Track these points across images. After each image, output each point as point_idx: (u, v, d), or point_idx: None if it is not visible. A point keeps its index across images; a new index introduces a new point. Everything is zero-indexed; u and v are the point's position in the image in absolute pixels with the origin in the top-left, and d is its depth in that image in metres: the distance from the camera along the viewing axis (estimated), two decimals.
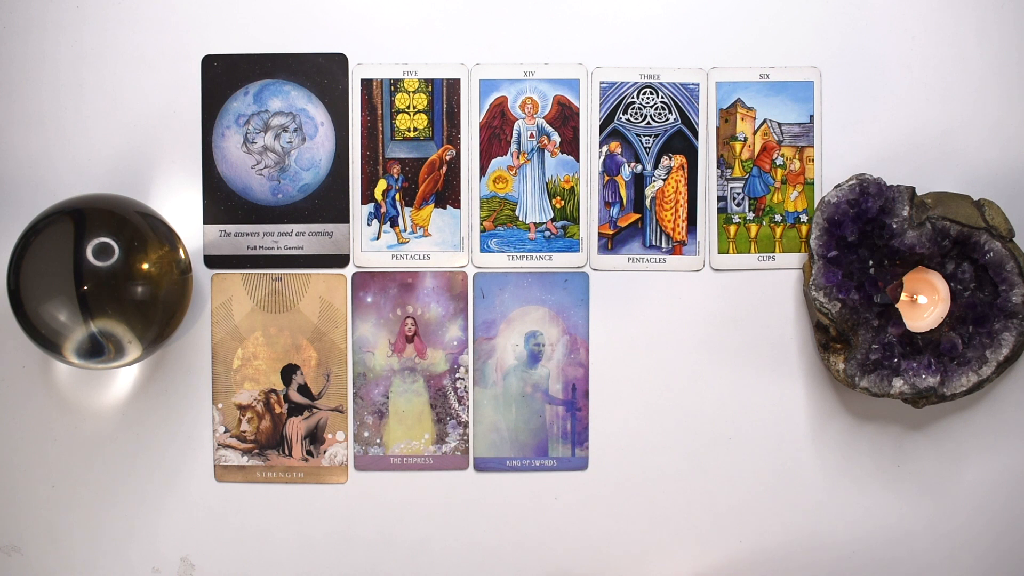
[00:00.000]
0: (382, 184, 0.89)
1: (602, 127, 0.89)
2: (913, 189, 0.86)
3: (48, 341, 0.78)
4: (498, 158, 0.89)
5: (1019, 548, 0.90)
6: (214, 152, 0.88)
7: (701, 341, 0.89)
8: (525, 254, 0.89)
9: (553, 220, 0.89)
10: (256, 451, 0.89)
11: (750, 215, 0.89)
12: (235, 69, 0.88)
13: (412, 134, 0.89)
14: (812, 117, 0.89)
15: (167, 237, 0.83)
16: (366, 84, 0.88)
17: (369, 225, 0.89)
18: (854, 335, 0.85)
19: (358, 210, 0.89)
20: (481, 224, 0.89)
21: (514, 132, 0.89)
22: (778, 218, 0.89)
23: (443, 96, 0.88)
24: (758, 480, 0.89)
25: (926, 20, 0.89)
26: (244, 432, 0.89)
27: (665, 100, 0.89)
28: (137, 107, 0.88)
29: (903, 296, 0.86)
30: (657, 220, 0.89)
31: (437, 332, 0.89)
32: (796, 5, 0.89)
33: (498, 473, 0.89)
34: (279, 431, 0.89)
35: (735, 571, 0.90)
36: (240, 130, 0.88)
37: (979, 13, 0.89)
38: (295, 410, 0.89)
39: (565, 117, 0.89)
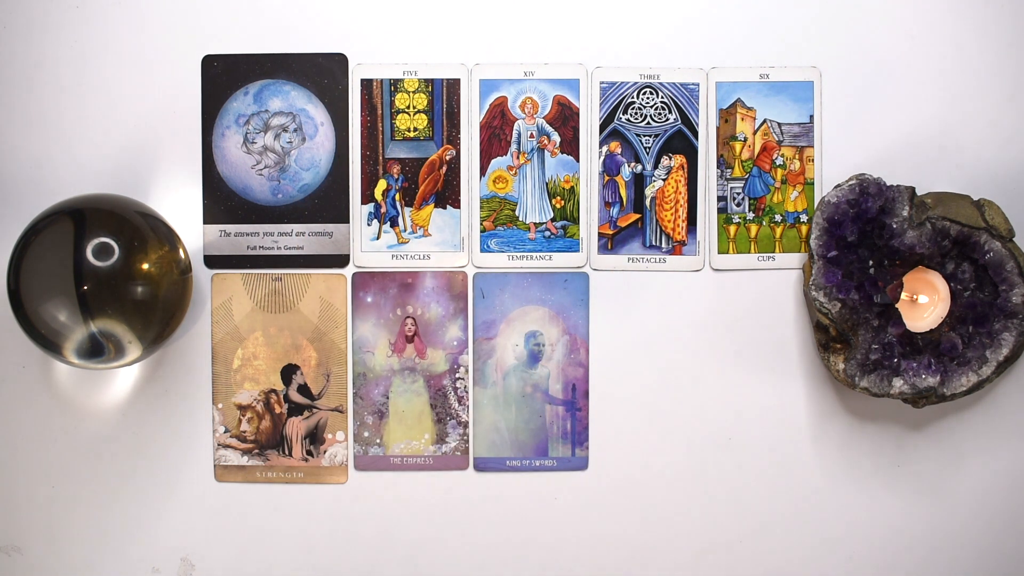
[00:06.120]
0: (382, 184, 0.89)
1: (602, 127, 0.89)
2: (913, 189, 0.86)
3: (48, 341, 0.78)
4: (498, 158, 0.89)
5: (1019, 548, 0.90)
6: (214, 152, 0.88)
7: (701, 341, 0.89)
8: (525, 254, 0.89)
9: (553, 220, 0.89)
10: (256, 451, 0.89)
11: (750, 215, 0.89)
12: (235, 69, 0.88)
13: (412, 134, 0.89)
14: (812, 117, 0.89)
15: (167, 237, 0.83)
16: (366, 84, 0.88)
17: (369, 225, 0.89)
18: (854, 335, 0.85)
19: (358, 210, 0.89)
20: (481, 224, 0.89)
21: (514, 132, 0.89)
22: (778, 218, 0.89)
23: (443, 96, 0.88)
24: (758, 480, 0.89)
25: (926, 20, 0.89)
26: (244, 432, 0.89)
27: (665, 100, 0.89)
28: (137, 107, 0.88)
29: (903, 296, 0.86)
30: (657, 220, 0.89)
31: (437, 332, 0.89)
32: (796, 5, 0.89)
33: (498, 473, 0.89)
34: (279, 431, 0.89)
35: (735, 571, 0.90)
36: (240, 130, 0.88)
37: (979, 13, 0.89)
38: (295, 410, 0.89)
39: (565, 117, 0.89)
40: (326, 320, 0.89)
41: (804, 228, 0.89)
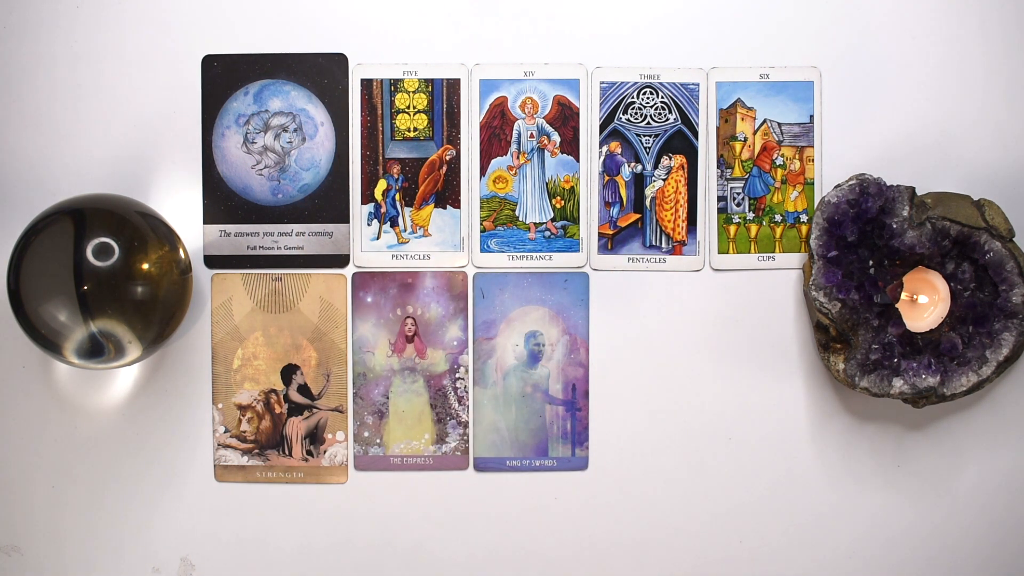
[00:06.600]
0: (382, 184, 0.89)
1: (602, 127, 0.89)
2: (913, 189, 0.86)
3: (48, 341, 0.78)
4: (498, 158, 0.89)
5: (1019, 547, 0.90)
6: (214, 152, 0.88)
7: (701, 341, 0.89)
8: (525, 254, 0.89)
9: (553, 220, 0.89)
10: (256, 451, 0.89)
11: (750, 215, 0.89)
12: (235, 69, 0.88)
13: (412, 134, 0.89)
14: (812, 117, 0.89)
15: (167, 237, 0.83)
16: (366, 84, 0.88)
17: (369, 225, 0.89)
18: (854, 335, 0.85)
19: (358, 210, 0.89)
20: (481, 224, 0.89)
21: (514, 132, 0.89)
22: (778, 218, 0.89)
23: (443, 96, 0.88)
24: (758, 480, 0.89)
25: (926, 20, 0.89)
26: (244, 432, 0.89)
27: (665, 100, 0.89)
28: (137, 107, 0.88)
29: (903, 296, 0.86)
30: (657, 220, 0.89)
31: (437, 332, 0.89)
32: (796, 5, 0.89)
33: (498, 473, 0.89)
34: (279, 431, 0.89)
35: (735, 571, 0.90)
36: (240, 130, 0.88)
37: (980, 13, 0.89)
38: (295, 410, 0.89)
39: (565, 117, 0.89)
40: (326, 320, 0.89)
41: (804, 228, 0.89)
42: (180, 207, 0.88)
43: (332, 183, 0.89)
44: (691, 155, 0.89)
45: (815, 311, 0.86)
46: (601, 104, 0.89)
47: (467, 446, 0.89)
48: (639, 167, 0.89)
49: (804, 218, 0.89)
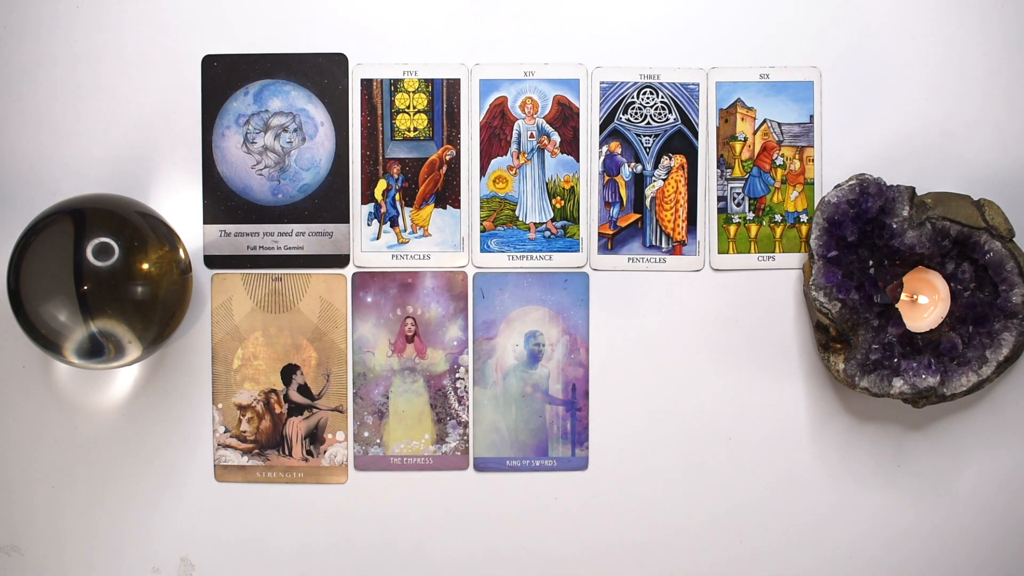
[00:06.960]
0: (382, 184, 0.89)
1: (602, 127, 0.89)
2: (913, 189, 0.86)
3: (48, 341, 0.78)
4: (498, 158, 0.89)
5: (1019, 548, 0.90)
6: (214, 152, 0.88)
7: (701, 341, 0.89)
8: (525, 254, 0.89)
9: (553, 220, 0.89)
10: (256, 451, 0.89)
11: (750, 215, 0.89)
12: (235, 69, 0.88)
13: (412, 134, 0.89)
14: (812, 117, 0.89)
15: (167, 237, 0.83)
16: (366, 84, 0.88)
17: (369, 225, 0.89)
18: (854, 335, 0.85)
19: (358, 210, 0.89)
20: (481, 224, 0.89)
21: (514, 132, 0.89)
22: (778, 218, 0.89)
23: (443, 96, 0.88)
24: (758, 480, 0.89)
25: (926, 20, 0.89)
26: (244, 432, 0.89)
27: (665, 100, 0.89)
28: (137, 107, 0.88)
29: (903, 296, 0.86)
30: (657, 220, 0.89)
31: (437, 332, 0.89)
32: (796, 5, 0.89)
33: (498, 473, 0.89)
34: (279, 431, 0.89)
35: (735, 571, 0.90)
36: (240, 130, 0.88)
37: (980, 13, 0.89)
38: (295, 410, 0.89)
39: (565, 117, 0.89)
40: (326, 320, 0.89)
41: (804, 228, 0.89)
42: (180, 207, 0.88)
43: (332, 183, 0.89)
44: (691, 155, 0.89)
45: (815, 311, 0.86)
46: (601, 104, 0.89)
47: (467, 446, 0.89)
48: (639, 167, 0.89)
49: (804, 218, 0.89)
